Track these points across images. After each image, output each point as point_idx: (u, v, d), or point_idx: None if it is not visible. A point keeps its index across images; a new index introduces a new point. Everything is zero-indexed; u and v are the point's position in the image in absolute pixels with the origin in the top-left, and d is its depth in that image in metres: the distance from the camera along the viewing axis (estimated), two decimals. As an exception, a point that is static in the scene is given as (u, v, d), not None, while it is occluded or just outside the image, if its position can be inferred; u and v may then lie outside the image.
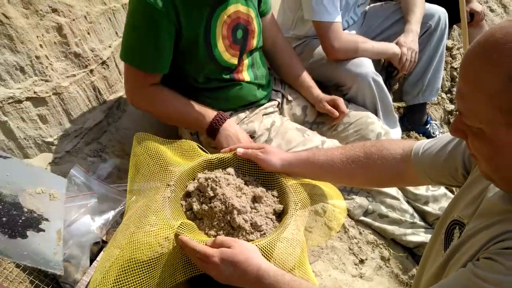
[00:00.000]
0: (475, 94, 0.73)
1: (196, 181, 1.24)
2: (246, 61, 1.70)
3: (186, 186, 1.24)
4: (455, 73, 2.75)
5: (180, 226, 1.08)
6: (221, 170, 1.27)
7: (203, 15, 1.51)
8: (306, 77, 1.87)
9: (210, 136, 1.59)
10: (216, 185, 1.18)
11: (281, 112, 1.87)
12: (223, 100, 1.68)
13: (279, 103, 1.86)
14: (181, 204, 1.20)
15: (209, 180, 1.20)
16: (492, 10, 3.79)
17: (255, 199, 1.23)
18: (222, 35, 1.57)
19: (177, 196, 1.21)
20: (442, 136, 1.13)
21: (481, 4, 3.72)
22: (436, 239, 1.06)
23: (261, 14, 1.78)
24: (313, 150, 1.28)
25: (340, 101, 1.82)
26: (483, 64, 0.72)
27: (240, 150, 1.28)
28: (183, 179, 1.23)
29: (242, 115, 1.72)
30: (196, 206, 1.17)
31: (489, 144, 0.76)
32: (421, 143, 1.14)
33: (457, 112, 0.84)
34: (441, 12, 2.22)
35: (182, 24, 1.47)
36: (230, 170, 1.26)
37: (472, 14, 2.93)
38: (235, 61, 1.64)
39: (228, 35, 1.59)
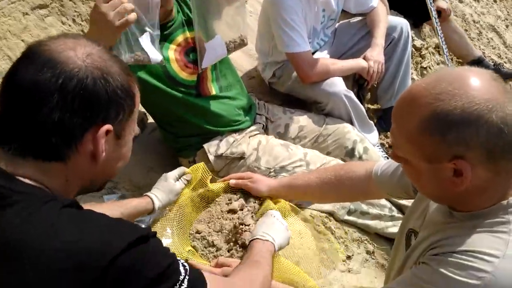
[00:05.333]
0: (399, 133, 0.93)
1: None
2: (209, 76, 1.89)
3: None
4: (425, 72, 2.97)
5: (188, 251, 1.33)
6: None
7: None
8: None
9: None
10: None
11: (266, 132, 2.11)
12: (205, 117, 1.87)
13: (264, 125, 2.10)
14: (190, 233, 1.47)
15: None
16: (461, 1, 3.98)
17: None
18: (175, 59, 1.76)
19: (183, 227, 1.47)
20: None
21: (449, -3, 3.93)
22: (400, 241, 1.29)
23: None
24: (293, 176, 1.55)
25: None
26: (404, 111, 0.91)
27: (232, 181, 1.55)
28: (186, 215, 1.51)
29: (231, 139, 1.94)
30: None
31: (413, 170, 0.96)
32: (379, 165, 1.37)
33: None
34: (403, 24, 2.44)
35: None
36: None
37: (439, 12, 3.15)
38: (194, 77, 1.82)
39: (181, 58, 1.77)
